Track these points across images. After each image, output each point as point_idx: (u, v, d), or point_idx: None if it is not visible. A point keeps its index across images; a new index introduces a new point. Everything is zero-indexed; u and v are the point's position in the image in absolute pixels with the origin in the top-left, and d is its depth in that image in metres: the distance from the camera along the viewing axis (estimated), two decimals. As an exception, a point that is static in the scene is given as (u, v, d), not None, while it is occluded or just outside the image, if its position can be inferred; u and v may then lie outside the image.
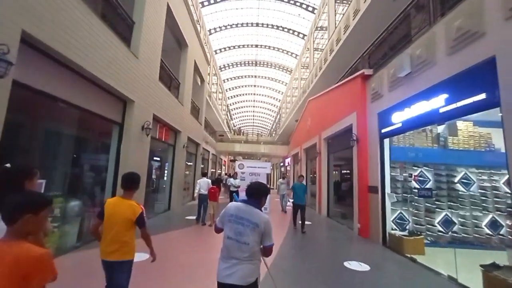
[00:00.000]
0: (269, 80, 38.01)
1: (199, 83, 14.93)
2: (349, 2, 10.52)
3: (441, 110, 3.93)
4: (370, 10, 8.27)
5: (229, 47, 30.26)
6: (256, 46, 30.68)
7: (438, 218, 5.87)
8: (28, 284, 0.99)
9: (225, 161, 31.01)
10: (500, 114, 3.11)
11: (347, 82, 8.06)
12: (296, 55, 29.15)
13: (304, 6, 23.20)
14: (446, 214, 5.85)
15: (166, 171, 9.80)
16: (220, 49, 29.71)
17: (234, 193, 9.75)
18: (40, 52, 3.72)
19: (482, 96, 3.33)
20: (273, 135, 39.30)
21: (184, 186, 11.94)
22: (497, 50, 3.16)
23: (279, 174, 27.51)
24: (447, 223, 5.81)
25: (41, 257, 1.03)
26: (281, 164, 25.46)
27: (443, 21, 4.16)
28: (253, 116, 52.23)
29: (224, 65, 32.72)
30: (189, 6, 10.89)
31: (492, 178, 5.91)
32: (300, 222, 6.91)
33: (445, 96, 3.88)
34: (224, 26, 26.67)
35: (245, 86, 40.27)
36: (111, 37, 5.13)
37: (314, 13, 20.72)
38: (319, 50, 17.95)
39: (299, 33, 26.68)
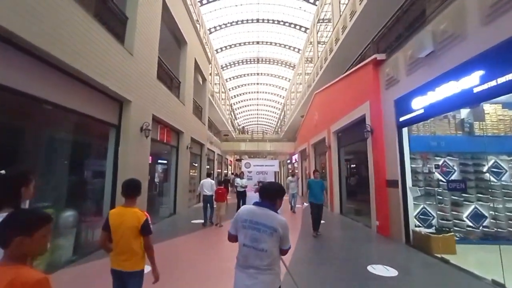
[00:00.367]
0: (272, 77, 37.48)
1: (201, 82, 14.55)
2: (354, -13, 9.95)
3: (476, 90, 3.41)
4: (378, -9, 7.72)
5: (230, 46, 29.84)
6: (258, 42, 30.17)
7: (467, 212, 5.33)
8: None
9: (231, 161, 30.65)
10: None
11: (357, 70, 7.53)
12: (299, 49, 28.54)
13: (304, -2, 22.60)
14: (475, 207, 5.31)
15: (170, 174, 9.46)
16: (221, 48, 29.33)
17: (241, 193, 9.38)
18: (21, 51, 3.36)
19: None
20: (279, 132, 38.75)
21: (190, 188, 11.60)
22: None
23: (286, 171, 27.02)
24: (477, 217, 5.27)
25: (37, 284, 0.93)
26: (288, 161, 24.94)
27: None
28: (257, 114, 51.77)
29: (225, 64, 32.33)
30: (186, 3, 10.49)
31: (526, 165, 5.34)
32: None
33: (480, 73, 3.36)
34: (224, 24, 26.26)
35: (248, 84, 39.82)
36: (103, 33, 4.75)
37: (316, 5, 20.10)
38: (322, 43, 17.34)
39: (300, 26, 26.07)
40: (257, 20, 26.59)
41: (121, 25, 5.86)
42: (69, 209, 4.31)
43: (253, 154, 26.01)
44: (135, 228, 1.98)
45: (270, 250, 1.65)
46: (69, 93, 4.29)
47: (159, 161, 8.81)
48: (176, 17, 9.13)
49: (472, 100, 3.61)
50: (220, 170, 21.56)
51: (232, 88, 38.34)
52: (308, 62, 22.13)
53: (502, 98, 3.72)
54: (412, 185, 5.42)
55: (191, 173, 12.12)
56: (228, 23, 26.33)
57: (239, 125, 44.62)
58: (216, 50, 27.74)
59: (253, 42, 30.15)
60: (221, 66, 30.12)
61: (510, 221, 5.16)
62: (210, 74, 18.19)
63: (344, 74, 8.85)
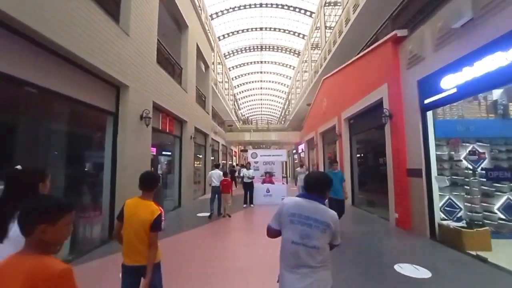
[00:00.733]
0: (275, 65, 36.49)
1: (203, 69, 13.99)
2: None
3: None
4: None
5: (232, 32, 28.88)
6: (261, 29, 29.12)
7: (498, 203, 4.84)
8: None
9: (235, 152, 30.31)
10: None
11: (373, 51, 6.91)
12: (304, 35, 27.49)
13: (310, -21, 21.47)
14: (509, 198, 4.81)
15: (174, 165, 9.09)
16: (223, 35, 28.42)
17: (248, 185, 9.00)
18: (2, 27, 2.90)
19: None
20: (283, 122, 38.11)
21: (195, 179, 11.27)
22: None
23: (291, 162, 26.59)
24: (510, 209, 4.78)
25: (60, 275, 0.87)
26: (294, 151, 24.46)
27: None
28: (261, 104, 50.98)
29: (228, 52, 31.45)
30: (186, -18, 9.81)
31: None
32: None
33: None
34: (225, 9, 25.27)
35: (251, 73, 38.91)
36: (93, 9, 4.25)
37: (322, -14, 19.02)
38: (329, 28, 16.43)
39: (306, 11, 24.94)
40: (260, 5, 25.52)
41: (115, 3, 5.32)
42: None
43: (258, 144, 25.56)
44: (147, 222, 1.87)
45: (322, 247, 1.52)
46: (57, 76, 3.84)
47: (162, 152, 8.42)
48: (176, -2, 8.51)
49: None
50: (225, 161, 21.24)
51: (235, 77, 37.53)
52: (314, 48, 21.27)
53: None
54: (438, 174, 4.94)
55: (195, 165, 11.77)
56: (230, 8, 25.33)
57: (242, 116, 43.99)
58: (218, 37, 26.87)
59: (256, 28, 29.11)
60: (224, 54, 29.29)
61: (547, 213, 4.67)
62: (213, 63, 17.57)
63: (357, 56, 8.22)
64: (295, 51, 31.76)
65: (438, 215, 4.80)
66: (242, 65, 35.88)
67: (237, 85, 39.72)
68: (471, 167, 4.94)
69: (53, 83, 3.75)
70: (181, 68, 9.58)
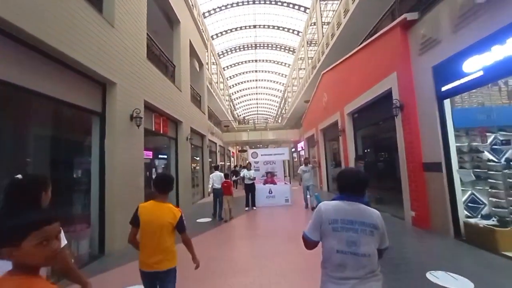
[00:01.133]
0: (270, 63, 36.07)
1: (198, 68, 13.47)
2: None
3: None
4: None
5: (225, 31, 28.37)
6: (254, 26, 28.66)
7: (526, 197, 4.44)
8: None
9: (233, 153, 29.78)
10: None
11: (379, 38, 6.49)
12: (298, 32, 27.10)
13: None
14: (538, 191, 4.41)
15: (169, 169, 8.57)
16: (216, 34, 27.89)
17: (249, 186, 8.52)
18: None
19: None
20: (279, 121, 37.72)
21: (193, 182, 10.76)
22: None
23: (291, 160, 26.15)
24: (539, 202, 4.37)
25: None
26: (293, 149, 24.04)
27: None
28: (257, 104, 50.56)
29: (222, 51, 30.92)
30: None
31: None
32: None
33: None
34: (218, 7, 24.75)
35: (246, 72, 38.43)
36: (69, -6, 3.73)
37: (316, -20, 18.62)
38: (326, 23, 16.03)
39: (300, 6, 24.53)
40: (253, 2, 25.05)
41: (97, -8, 4.80)
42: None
43: (256, 143, 25.09)
44: (170, 225, 1.88)
45: (373, 253, 1.38)
46: (33, 72, 3.32)
47: (157, 155, 7.89)
48: (166, -10, 8.00)
49: None
50: (223, 162, 20.72)
51: (230, 77, 37.00)
52: (310, 44, 20.88)
53: None
54: (459, 168, 4.52)
55: (193, 167, 11.25)
56: (223, 6, 24.82)
57: (239, 116, 43.48)
58: (212, 36, 26.33)
59: (249, 26, 28.63)
60: (217, 54, 28.76)
61: None
62: (207, 63, 17.05)
63: (360, 47, 7.79)
64: (289, 48, 31.36)
65: (463, 212, 4.38)
66: (236, 64, 35.37)
67: (232, 85, 39.20)
68: (495, 159, 4.52)
69: (27, 80, 3.24)
70: (174, 66, 9.07)
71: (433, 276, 2.99)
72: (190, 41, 10.81)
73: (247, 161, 10.10)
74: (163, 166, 8.44)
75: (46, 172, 3.85)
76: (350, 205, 1.45)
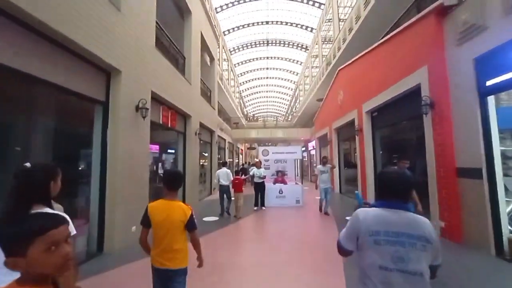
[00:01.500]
0: (282, 60, 35.44)
1: (208, 62, 13.13)
2: None
3: None
4: None
5: (237, 27, 27.95)
6: (267, 22, 28.12)
7: None
8: None
9: (242, 150, 29.44)
10: None
11: (407, 30, 5.91)
12: (312, 28, 26.39)
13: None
14: None
15: (177, 164, 8.26)
16: (228, 30, 27.51)
17: (259, 185, 8.11)
18: None
19: None
20: (289, 119, 37.09)
21: (200, 179, 10.44)
22: None
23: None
24: None
25: None
26: (303, 149, 23.45)
27: None
28: (267, 102, 50.07)
29: (233, 47, 30.54)
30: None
31: None
32: None
33: None
34: (230, 2, 24.35)
35: (257, 69, 37.97)
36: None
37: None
38: (342, 20, 15.34)
39: (314, 2, 23.82)
40: (267, -4, 24.51)
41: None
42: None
43: (266, 141, 24.62)
44: (181, 223, 1.84)
45: (425, 271, 1.16)
46: (31, 55, 3.00)
47: (164, 149, 7.57)
48: (177, -23, 7.64)
49: None
50: (231, 159, 20.40)
51: (241, 74, 36.62)
52: (324, 42, 20.19)
53: None
54: (503, 175, 3.95)
55: (201, 163, 10.94)
56: (235, 1, 24.39)
57: (248, 113, 43.08)
58: (223, 32, 25.98)
59: (262, 22, 28.11)
60: (229, 50, 28.40)
61: None
62: (219, 59, 16.69)
63: (383, 39, 7.21)
64: (302, 45, 30.65)
65: (507, 227, 3.81)
66: (247, 61, 34.94)
67: (243, 82, 38.82)
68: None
69: (25, 64, 2.92)
70: (185, 58, 8.72)
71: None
72: (201, 33, 10.44)
73: (258, 159, 9.70)
74: (171, 161, 8.14)
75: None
76: (395, 214, 1.24)
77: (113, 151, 4.31)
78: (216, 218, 6.72)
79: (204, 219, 6.67)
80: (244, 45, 31.55)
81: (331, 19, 17.84)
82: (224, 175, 7.10)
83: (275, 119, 42.28)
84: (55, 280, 0.82)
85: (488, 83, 3.89)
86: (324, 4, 20.72)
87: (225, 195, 7.13)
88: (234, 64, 31.21)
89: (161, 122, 6.63)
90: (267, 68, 37.97)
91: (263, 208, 8.05)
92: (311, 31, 27.10)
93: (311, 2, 24.16)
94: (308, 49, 27.88)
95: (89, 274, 3.28)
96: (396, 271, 1.18)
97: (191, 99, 8.61)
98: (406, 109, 6.32)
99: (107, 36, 4.12)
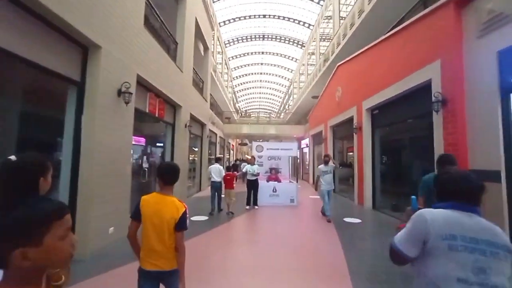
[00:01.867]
0: (277, 56, 34.91)
1: (202, 52, 12.47)
2: None
3: None
4: None
5: (233, 19, 27.18)
6: (264, 16, 27.47)
7: None
8: None
9: (233, 145, 28.86)
10: None
11: (419, 21, 5.51)
12: (309, 24, 25.97)
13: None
14: None
15: (164, 158, 7.67)
16: (224, 21, 26.69)
17: (252, 183, 7.65)
18: None
19: None
20: (282, 116, 36.75)
21: (189, 174, 9.88)
22: None
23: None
24: None
25: None
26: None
27: None
28: (260, 98, 49.55)
29: (228, 40, 29.75)
30: None
31: None
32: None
33: None
34: (227, -7, 23.55)
35: (251, 64, 37.31)
36: None
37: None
38: (343, 18, 14.92)
39: (313, -4, 23.34)
40: (265, -11, 23.85)
41: None
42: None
43: (258, 138, 24.15)
44: (172, 220, 1.66)
45: (507, 286, 0.98)
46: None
47: (150, 141, 6.95)
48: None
49: None
50: (222, 155, 19.82)
51: (234, 68, 35.86)
52: (322, 39, 19.76)
53: None
54: (521, 179, 3.62)
55: (190, 158, 10.36)
56: (233, -9, 23.60)
57: (240, 109, 42.41)
58: (219, 23, 25.15)
59: (259, 15, 27.44)
60: (224, 42, 27.60)
61: None
62: (213, 52, 15.97)
63: (389, 33, 6.82)
64: (298, 42, 30.22)
65: (527, 236, 3.50)
66: (242, 55, 34.23)
67: (236, 77, 38.09)
68: None
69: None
70: (177, 43, 8.07)
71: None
72: (196, 19, 9.78)
73: (250, 155, 9.22)
74: (159, 154, 7.54)
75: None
76: (468, 217, 1.11)
77: (89, 141, 3.71)
78: (205, 218, 6.21)
79: (193, 218, 6.13)
80: (240, 38, 30.82)
81: (330, 16, 17.43)
82: (217, 171, 6.79)
83: (268, 115, 41.85)
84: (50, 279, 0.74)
85: (514, 78, 3.53)
86: (323, 0, 20.28)
87: (216, 193, 6.82)
88: (228, 58, 30.44)
89: (147, 111, 6.03)
90: (261, 64, 37.37)
91: (256, 207, 7.59)
92: (308, 27, 26.68)
93: (309, -3, 23.68)
94: (304, 46, 27.46)
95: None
96: (477, 285, 1.00)
97: (182, 88, 8.00)
98: (412, 107, 5.98)
99: (86, 5, 3.50)
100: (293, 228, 5.65)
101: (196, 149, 11.52)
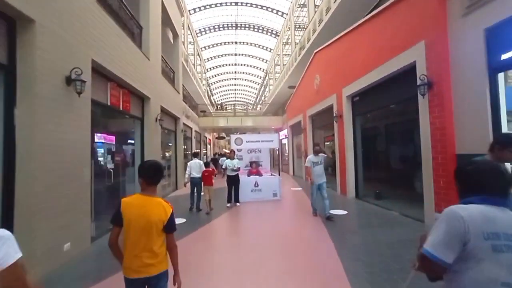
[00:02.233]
0: (251, 46, 34.10)
1: (171, 39, 11.51)
2: None
3: None
4: None
5: (204, 6, 25.81)
6: (236, 4, 26.42)
7: None
8: None
9: (209, 140, 27.94)
10: None
11: (401, 1, 5.29)
12: (283, 13, 25.47)
13: None
14: None
15: (134, 156, 6.89)
16: (194, 9, 25.26)
17: (233, 179, 7.18)
18: None
19: None
20: (259, 108, 36.38)
21: (164, 172, 9.12)
22: None
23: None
24: None
25: None
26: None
27: None
28: (235, 90, 48.61)
29: (199, 29, 28.34)
30: None
31: None
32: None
33: None
34: (196, -23, 22.17)
35: (225, 55, 36.15)
36: None
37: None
38: (317, 6, 14.63)
39: (286, -16, 22.78)
40: (236, -25, 22.81)
41: None
42: None
43: (235, 130, 23.56)
44: (160, 223, 1.59)
45: None
46: None
47: (117, 138, 6.11)
48: None
49: None
50: (198, 150, 19.00)
51: (207, 59, 34.49)
52: (297, 29, 19.42)
53: None
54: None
55: (165, 154, 9.60)
56: (202, -24, 22.27)
57: (216, 102, 41.22)
58: (189, 11, 23.71)
59: (231, 3, 26.34)
60: (195, 31, 26.20)
61: None
62: (183, 41, 14.89)
63: (368, 16, 6.58)
64: (272, 31, 29.65)
65: (518, 218, 3.44)
66: (215, 45, 32.93)
67: (210, 68, 36.75)
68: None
69: None
70: (141, 27, 7.19)
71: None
72: (162, 2, 8.86)
73: (228, 149, 8.70)
74: (129, 152, 6.75)
75: None
76: (503, 213, 0.98)
77: (27, 142, 2.97)
78: (183, 220, 5.64)
79: (169, 221, 5.54)
80: (212, 28, 29.51)
81: (303, 4, 17.09)
82: (197, 167, 6.56)
83: (244, 108, 41.18)
84: None
85: (504, 56, 3.39)
86: (295, -13, 19.83)
87: (196, 188, 6.61)
88: (201, 48, 29.09)
89: (109, 104, 5.24)
90: (235, 54, 36.35)
91: (237, 204, 7.16)
92: (281, 15, 26.17)
93: (282, -15, 23.10)
94: (278, 35, 27.00)
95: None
96: None
97: (150, 77, 7.19)
98: (395, 92, 5.85)
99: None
100: (280, 225, 5.29)
101: (170, 145, 10.73)
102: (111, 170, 5.32)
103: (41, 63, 3.12)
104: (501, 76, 3.57)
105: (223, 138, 30.61)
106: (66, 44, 3.62)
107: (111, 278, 2.94)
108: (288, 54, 21.53)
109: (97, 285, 2.84)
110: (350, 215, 5.72)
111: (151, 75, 7.31)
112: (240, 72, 41.57)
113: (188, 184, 6.68)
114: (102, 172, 5.17)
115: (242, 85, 46.37)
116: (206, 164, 6.88)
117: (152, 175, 1.67)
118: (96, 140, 4.84)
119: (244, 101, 50.65)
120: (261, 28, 29.97)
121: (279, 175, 8.16)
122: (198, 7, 25.66)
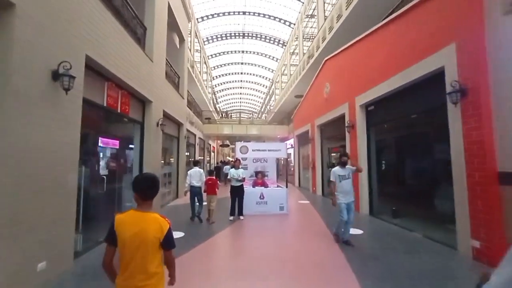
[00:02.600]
0: (258, 55, 34.15)
1: (178, 44, 11.27)
2: None
3: None
4: None
5: (212, 15, 25.98)
6: (244, 13, 26.55)
7: None
8: None
9: (213, 147, 27.50)
10: None
11: (426, 1, 4.86)
12: (290, 23, 25.47)
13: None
14: None
15: (133, 163, 6.43)
16: (202, 17, 25.42)
17: (237, 189, 6.65)
18: None
19: None
20: (264, 117, 36.08)
21: (164, 180, 8.67)
22: None
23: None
24: None
25: None
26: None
27: None
28: (240, 98, 48.59)
29: (207, 37, 28.47)
30: None
31: None
32: None
33: None
34: (205, -13, 22.37)
35: (231, 63, 36.25)
36: None
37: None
38: (327, 17, 14.39)
39: (294, -6, 22.82)
40: (245, -15, 22.98)
41: None
42: None
43: (240, 139, 23.15)
44: (156, 240, 1.49)
45: None
46: None
47: (108, 141, 5.66)
48: None
49: None
50: (202, 157, 18.53)
51: (214, 67, 34.57)
52: (305, 39, 19.22)
53: None
54: None
55: (166, 161, 9.14)
56: (211, -14, 22.47)
57: (221, 109, 41.09)
58: (197, 19, 23.84)
59: (239, 12, 26.47)
60: (202, 39, 26.28)
61: None
62: (190, 48, 14.71)
63: (388, 19, 6.15)
64: (279, 40, 29.66)
65: None
66: (221, 53, 33.04)
67: (215, 76, 36.78)
68: None
69: None
70: (145, 27, 6.88)
71: None
72: (169, 4, 8.61)
73: (232, 158, 8.20)
74: (126, 158, 6.29)
75: None
76: None
77: (2, 144, 2.51)
78: (181, 235, 5.09)
79: (165, 236, 4.99)
80: (219, 36, 29.63)
81: (313, 14, 16.93)
82: (197, 176, 6.28)
83: (249, 116, 40.90)
84: None
85: (562, 58, 2.87)
86: (304, -2, 19.79)
87: (196, 198, 6.30)
88: (208, 56, 29.14)
89: (105, 105, 4.82)
90: (242, 63, 36.43)
91: (241, 217, 6.58)
92: (289, 25, 26.17)
93: (290, -6, 23.14)
94: (285, 45, 26.93)
95: None
96: None
97: (152, 80, 6.81)
98: (417, 100, 5.34)
99: None
100: (288, 246, 4.66)
101: (172, 151, 10.28)
102: (104, 177, 4.83)
103: (20, 51, 2.70)
104: (555, 81, 3.05)
105: (227, 146, 30.19)
106: (54, 35, 3.22)
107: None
108: (295, 64, 21.28)
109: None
110: (367, 235, 5.11)
111: (153, 77, 6.94)
112: (246, 81, 41.60)
113: (189, 193, 6.26)
114: (94, 178, 4.69)
115: (247, 93, 46.35)
116: (211, 172, 6.59)
117: (146, 189, 1.55)
118: (88, 143, 4.40)
119: (249, 110, 50.52)
120: (268, 37, 30.01)
121: (286, 186, 7.60)
122: (206, 16, 25.85)
